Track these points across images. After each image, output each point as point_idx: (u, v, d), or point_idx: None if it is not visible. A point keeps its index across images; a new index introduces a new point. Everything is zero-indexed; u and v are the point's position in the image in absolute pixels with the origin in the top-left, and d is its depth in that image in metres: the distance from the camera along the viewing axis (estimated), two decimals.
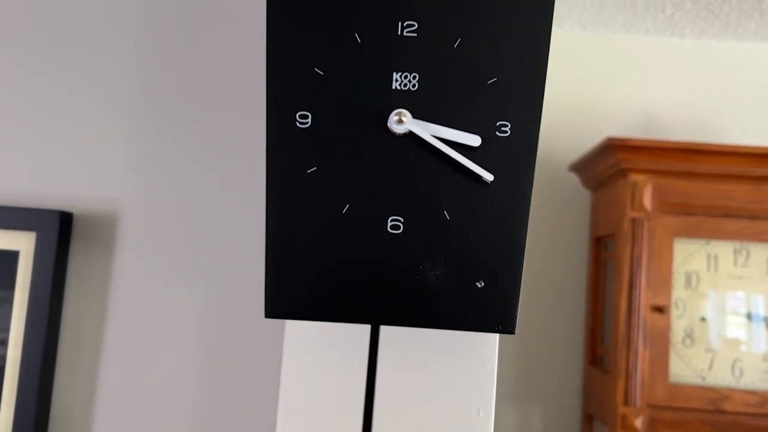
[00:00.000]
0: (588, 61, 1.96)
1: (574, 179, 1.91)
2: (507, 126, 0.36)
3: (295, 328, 0.44)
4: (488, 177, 0.36)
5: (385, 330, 0.42)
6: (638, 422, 1.53)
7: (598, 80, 1.96)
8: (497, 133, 0.36)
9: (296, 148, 0.37)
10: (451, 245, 0.36)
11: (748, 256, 1.62)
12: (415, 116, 0.36)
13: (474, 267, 0.36)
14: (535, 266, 1.93)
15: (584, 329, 1.91)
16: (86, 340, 0.62)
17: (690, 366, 1.59)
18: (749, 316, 1.61)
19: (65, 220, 0.61)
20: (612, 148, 1.56)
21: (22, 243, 0.61)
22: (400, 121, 0.36)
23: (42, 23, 0.65)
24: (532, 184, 0.36)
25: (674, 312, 1.60)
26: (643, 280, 1.57)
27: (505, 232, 0.36)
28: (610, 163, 1.62)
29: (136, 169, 0.62)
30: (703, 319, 1.61)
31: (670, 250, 1.58)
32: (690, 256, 1.62)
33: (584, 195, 1.93)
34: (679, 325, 1.61)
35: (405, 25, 0.37)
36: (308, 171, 0.37)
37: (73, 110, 0.63)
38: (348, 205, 0.36)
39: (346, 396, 0.43)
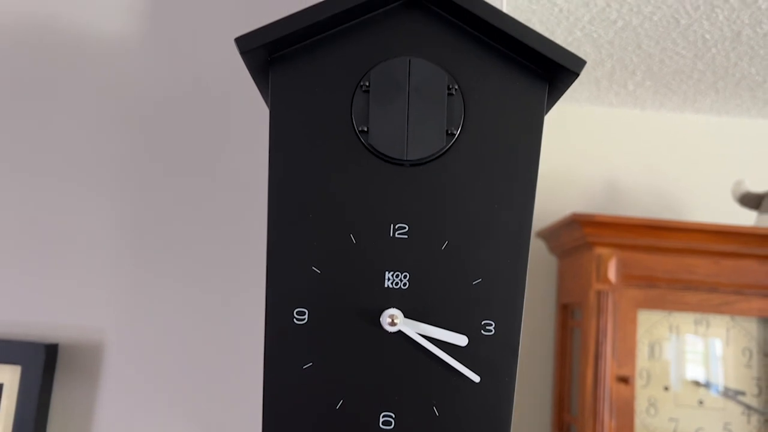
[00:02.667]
0: (554, 130, 2.03)
1: (541, 244, 1.96)
2: (491, 324, 0.39)
3: None
4: (475, 378, 0.38)
5: None
6: None
7: (564, 149, 2.02)
8: (482, 331, 0.39)
9: (293, 344, 0.39)
10: None
11: (708, 326, 1.68)
12: (406, 315, 0.39)
13: None
14: None
15: (552, 395, 1.94)
16: None
17: None
18: (708, 386, 1.66)
19: (50, 353, 0.62)
20: (578, 222, 1.61)
21: (6, 376, 0.61)
22: (392, 323, 0.38)
23: (28, 153, 0.66)
24: (515, 381, 0.39)
25: (639, 382, 1.65)
26: (608, 351, 1.61)
27: (491, 427, 0.38)
28: (576, 236, 1.67)
29: (121, 299, 0.63)
30: (666, 389, 1.66)
31: (634, 321, 1.63)
32: (653, 326, 1.67)
33: (551, 261, 1.98)
34: (643, 395, 1.65)
35: (397, 227, 0.40)
36: (304, 367, 0.39)
37: (57, 242, 0.64)
38: (342, 401, 0.38)
39: None
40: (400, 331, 0.38)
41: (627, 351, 1.62)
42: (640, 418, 1.64)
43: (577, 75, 0.40)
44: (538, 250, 1.98)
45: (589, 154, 2.02)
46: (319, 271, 0.39)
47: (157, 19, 0.69)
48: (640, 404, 1.64)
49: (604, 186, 2.03)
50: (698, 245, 1.62)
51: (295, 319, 0.39)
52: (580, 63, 0.40)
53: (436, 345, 0.38)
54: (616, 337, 1.62)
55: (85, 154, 0.66)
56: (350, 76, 0.41)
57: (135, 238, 0.64)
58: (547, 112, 0.42)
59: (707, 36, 1.53)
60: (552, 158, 2.01)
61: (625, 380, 1.61)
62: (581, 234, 1.63)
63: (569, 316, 1.86)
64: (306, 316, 0.39)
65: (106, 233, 0.64)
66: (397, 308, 0.39)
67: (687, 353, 1.67)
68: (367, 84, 0.41)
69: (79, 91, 0.67)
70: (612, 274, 1.62)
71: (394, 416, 0.38)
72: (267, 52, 0.41)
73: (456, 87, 0.41)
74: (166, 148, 0.66)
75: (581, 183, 2.01)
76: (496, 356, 0.39)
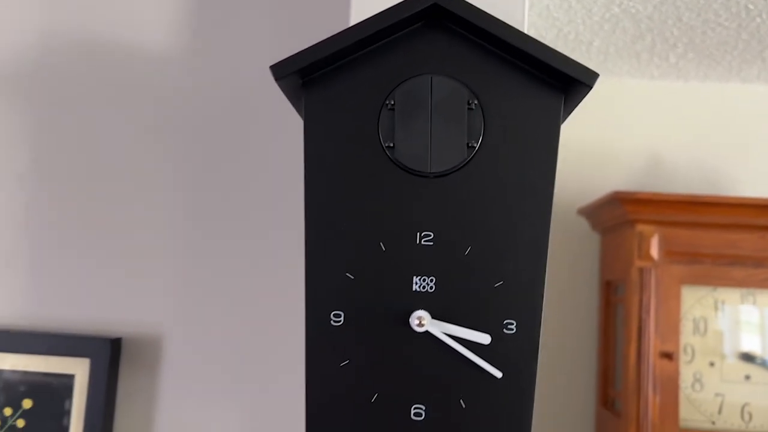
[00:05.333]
0: (595, 105, 2.01)
1: (584, 222, 1.96)
2: (513, 324, 0.42)
3: None
4: (497, 374, 0.41)
5: None
6: None
7: (605, 124, 2.01)
8: (504, 330, 0.42)
9: (331, 343, 0.43)
10: (467, 430, 0.42)
11: (755, 301, 1.66)
12: (433, 316, 0.42)
13: None
14: (548, 307, 1.98)
15: (596, 371, 1.95)
16: None
17: (699, 411, 1.63)
18: (756, 361, 1.65)
19: (115, 346, 0.67)
20: (619, 200, 1.61)
21: (77, 368, 0.67)
22: (419, 324, 0.42)
23: (92, 163, 0.72)
24: (535, 377, 0.42)
25: (683, 358, 1.65)
26: (651, 328, 1.61)
27: (513, 421, 0.41)
28: (617, 213, 1.67)
29: (177, 296, 0.68)
30: (711, 364, 1.65)
31: (678, 297, 1.63)
32: (697, 302, 1.66)
33: (594, 238, 1.98)
34: (688, 370, 1.65)
35: (423, 235, 0.43)
36: (341, 364, 0.43)
37: (117, 244, 0.70)
38: (376, 395, 0.42)
39: None
40: (427, 332, 0.42)
41: (670, 327, 1.62)
42: (686, 393, 1.64)
43: (591, 88, 0.42)
44: (580, 228, 1.98)
45: (630, 129, 2.00)
46: (352, 277, 0.43)
47: (198, 31, 0.73)
48: (685, 380, 1.64)
49: (647, 161, 2.01)
50: (742, 220, 1.60)
51: (332, 321, 0.43)
52: (594, 76, 0.42)
53: (461, 343, 0.42)
54: (659, 313, 1.62)
55: (141, 157, 0.71)
56: (376, 95, 0.44)
57: (189, 239, 0.69)
58: (562, 123, 0.44)
59: (750, 6, 1.49)
60: (593, 134, 2.00)
61: (668, 356, 1.61)
62: (622, 212, 1.63)
63: (612, 293, 1.87)
64: (342, 318, 0.43)
65: (161, 235, 0.70)
66: (424, 310, 0.42)
67: (733, 328, 1.66)
68: (392, 102, 0.44)
69: (133, 98, 0.72)
70: (654, 250, 1.62)
71: (424, 408, 0.42)
72: (299, 77, 0.44)
73: (476, 102, 0.44)
74: (215, 153, 0.70)
75: (623, 159, 2.00)
76: (517, 354, 0.42)
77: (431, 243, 0.43)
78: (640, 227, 1.62)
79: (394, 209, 0.43)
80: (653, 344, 1.61)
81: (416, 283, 0.43)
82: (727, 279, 1.62)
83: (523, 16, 0.54)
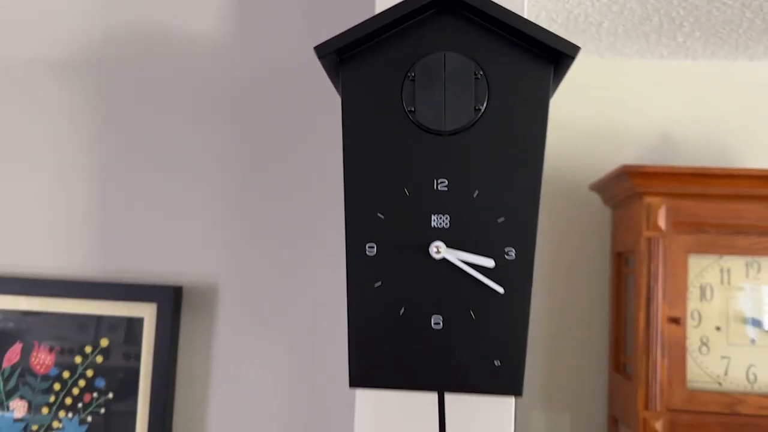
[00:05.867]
0: (607, 85, 2.09)
1: (596, 197, 2.05)
2: (512, 251, 0.52)
3: (363, 393, 0.61)
4: (500, 290, 0.52)
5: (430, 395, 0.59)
6: (659, 425, 1.66)
7: (616, 103, 2.08)
8: (506, 256, 0.52)
9: (366, 269, 0.53)
10: (476, 337, 0.52)
11: (759, 269, 1.74)
12: (448, 246, 0.53)
13: (492, 351, 0.52)
14: (563, 280, 2.07)
15: (608, 338, 2.05)
16: (195, 387, 0.79)
17: (706, 372, 1.72)
18: (761, 325, 1.73)
19: (177, 294, 0.79)
20: (627, 174, 1.69)
21: (146, 312, 0.79)
22: (437, 252, 0.52)
23: (157, 129, 0.83)
24: (530, 293, 0.52)
25: (690, 323, 1.73)
26: (659, 295, 1.70)
27: (513, 327, 0.52)
28: (626, 187, 1.75)
29: (231, 249, 0.80)
30: (717, 329, 1.74)
31: (685, 265, 1.71)
32: (704, 270, 1.75)
33: (606, 212, 2.07)
34: (695, 334, 1.74)
35: (439, 181, 0.53)
36: (375, 285, 0.53)
37: (180, 207, 0.81)
38: (403, 309, 0.53)
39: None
40: (444, 258, 0.52)
41: (678, 293, 1.71)
42: (693, 356, 1.73)
43: (573, 58, 0.52)
44: (592, 203, 2.07)
45: (641, 107, 2.08)
46: (382, 216, 0.53)
47: (241, 19, 0.83)
48: (693, 344, 1.73)
49: (657, 138, 2.08)
50: (746, 191, 1.67)
51: (367, 252, 0.53)
52: (575, 49, 0.52)
53: (470, 267, 0.52)
54: (667, 280, 1.71)
55: (198, 130, 0.82)
56: (400, 69, 0.54)
57: (240, 202, 0.80)
58: (554, 91, 0.54)
59: None
60: (604, 113, 2.08)
61: (676, 321, 1.70)
62: (631, 185, 1.71)
63: (623, 264, 1.96)
64: (375, 249, 0.53)
65: (216, 199, 0.81)
66: (441, 241, 0.52)
67: (739, 294, 1.74)
68: (413, 74, 0.54)
69: (188, 78, 0.83)
70: (662, 221, 1.71)
71: (442, 319, 0.52)
72: (337, 55, 0.55)
73: (481, 72, 0.54)
74: (262, 125, 0.81)
75: (634, 136, 2.07)
76: (515, 274, 0.52)
77: (446, 188, 0.53)
78: (648, 199, 1.71)
79: (415, 161, 0.54)
80: (661, 310, 1.70)
81: (434, 220, 0.53)
82: (732, 247, 1.70)
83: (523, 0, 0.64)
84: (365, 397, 0.60)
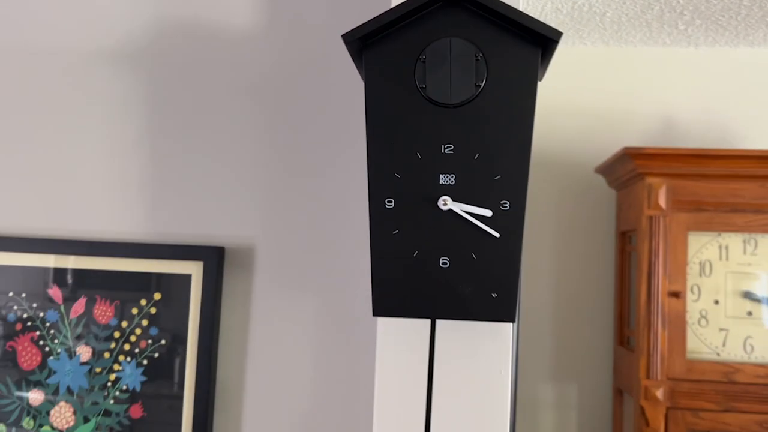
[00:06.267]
0: (612, 72, 2.18)
1: (602, 180, 2.15)
2: (507, 203, 0.63)
3: (384, 323, 0.72)
4: (496, 234, 0.62)
5: (440, 323, 0.70)
6: (659, 393, 1.76)
7: (622, 89, 2.17)
8: (501, 207, 0.63)
9: (386, 219, 0.64)
10: (476, 274, 0.63)
11: (756, 245, 1.83)
12: (453, 200, 0.63)
13: (490, 286, 0.63)
14: (571, 258, 2.17)
15: (613, 314, 2.15)
16: (235, 335, 0.91)
17: (705, 343, 1.81)
18: (758, 298, 1.82)
19: (220, 253, 0.90)
20: (629, 155, 1.79)
21: (193, 269, 0.90)
22: (444, 204, 0.63)
23: (200, 111, 0.94)
24: (522, 238, 0.63)
25: (690, 296, 1.83)
26: (660, 270, 1.80)
27: (507, 265, 0.62)
28: (629, 168, 1.85)
29: (267, 214, 0.91)
30: (716, 302, 1.83)
31: (684, 242, 1.81)
32: (703, 247, 1.84)
33: (611, 194, 2.16)
34: (695, 307, 1.83)
35: (446, 147, 0.64)
36: (393, 233, 0.64)
37: (222, 178, 0.92)
38: (417, 251, 0.64)
39: (415, 360, 0.71)
40: (450, 209, 0.63)
41: (678, 269, 1.80)
42: (693, 328, 1.82)
43: (557, 42, 0.62)
44: (598, 185, 2.16)
45: (646, 93, 2.16)
46: (399, 176, 0.64)
47: (271, 12, 0.94)
48: (692, 316, 1.82)
49: (661, 122, 2.17)
50: (743, 171, 1.76)
51: (386, 205, 0.64)
52: (558, 34, 0.62)
53: (472, 216, 0.63)
54: (668, 256, 1.80)
55: (237, 110, 0.93)
56: (413, 52, 0.65)
57: (274, 172, 0.92)
58: (544, 71, 0.64)
59: None
60: (610, 99, 2.17)
61: (676, 294, 1.80)
62: (633, 166, 1.81)
63: (627, 242, 2.05)
64: (393, 203, 0.64)
65: (254, 169, 0.92)
66: (447, 196, 0.63)
67: (737, 269, 1.83)
68: (424, 57, 0.65)
69: (226, 65, 0.94)
70: (662, 200, 1.80)
71: (449, 259, 0.63)
72: (361, 42, 0.65)
73: (481, 55, 0.64)
74: (289, 107, 0.92)
75: (639, 121, 2.16)
76: (509, 222, 0.63)
77: (451, 152, 0.64)
78: (650, 179, 1.80)
79: (425, 130, 0.65)
80: (662, 284, 1.80)
81: (442, 179, 0.64)
82: (729, 225, 1.80)
83: None
84: (384, 324, 0.71)
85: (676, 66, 2.16)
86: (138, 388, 0.90)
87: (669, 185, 1.80)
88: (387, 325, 0.72)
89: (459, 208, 0.63)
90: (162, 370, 0.90)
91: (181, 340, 0.90)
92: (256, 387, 0.91)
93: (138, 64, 0.96)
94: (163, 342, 0.90)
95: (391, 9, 0.65)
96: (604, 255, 2.17)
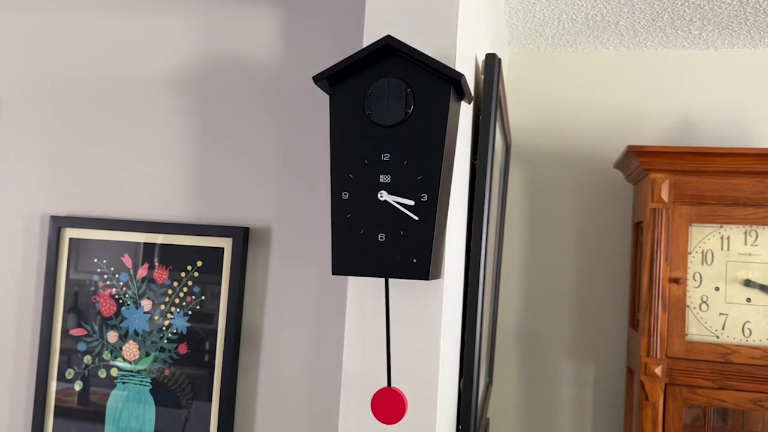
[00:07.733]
0: (634, 74, 2.34)
1: (621, 175, 2.31)
2: (425, 196, 0.89)
3: (353, 283, 0.99)
4: (416, 218, 0.88)
5: (392, 283, 0.97)
6: (657, 370, 1.94)
7: (643, 90, 2.33)
8: (421, 198, 0.89)
9: (343, 208, 0.91)
10: (403, 246, 0.88)
11: (756, 236, 1.96)
12: (389, 193, 0.89)
13: (412, 253, 0.88)
14: (591, 248, 2.36)
15: (627, 299, 2.31)
16: (257, 295, 1.20)
17: (706, 327, 1.96)
18: (757, 286, 1.95)
19: (245, 233, 1.20)
20: (633, 153, 1.96)
21: (225, 244, 1.20)
22: (382, 196, 0.89)
23: (234, 124, 1.24)
24: (435, 220, 0.88)
25: (692, 283, 1.98)
26: (662, 258, 1.96)
27: (424, 240, 0.88)
28: (635, 165, 2.02)
29: (280, 201, 1.19)
30: (717, 289, 1.98)
31: (686, 233, 1.96)
32: (706, 238, 1.99)
33: (629, 187, 2.32)
34: (696, 293, 1.98)
35: (384, 155, 0.90)
36: (347, 216, 0.91)
37: (248, 172, 1.22)
38: (363, 229, 0.90)
39: (376, 306, 0.97)
40: (386, 200, 0.89)
41: (679, 257, 1.96)
42: (694, 312, 1.97)
43: (459, 80, 0.87)
44: (618, 180, 2.33)
45: (666, 93, 2.30)
46: (352, 176, 0.91)
47: (287, 46, 1.22)
48: (694, 302, 1.97)
49: (681, 121, 2.31)
50: (743, 167, 1.90)
51: (342, 197, 0.91)
52: (459, 75, 0.87)
53: (400, 205, 0.89)
54: (670, 246, 1.96)
55: (255, 124, 1.22)
56: (363, 88, 0.91)
57: (288, 169, 1.20)
58: (461, 101, 0.89)
59: None
60: (632, 99, 2.32)
61: (676, 281, 1.96)
62: (638, 163, 1.98)
63: (640, 233, 2.21)
64: (348, 195, 0.91)
65: (272, 168, 1.21)
66: (384, 190, 0.89)
67: (737, 259, 1.97)
68: (370, 91, 0.91)
69: (246, 89, 1.23)
70: (665, 194, 1.96)
71: (385, 235, 0.89)
72: (327, 81, 0.92)
73: (409, 90, 0.90)
74: (300, 122, 1.20)
75: (659, 120, 2.31)
76: (426, 209, 0.88)
77: (388, 159, 0.90)
78: (653, 175, 1.96)
79: (370, 143, 0.91)
80: (663, 271, 1.96)
81: (381, 178, 0.90)
82: (730, 217, 1.94)
83: (456, 20, 0.99)
84: (354, 288, 0.98)
85: (695, 67, 2.29)
86: (184, 331, 1.21)
87: (672, 180, 1.96)
88: (355, 285, 0.99)
89: (392, 199, 0.89)
90: (202, 319, 1.20)
91: (216, 296, 1.20)
92: (271, 330, 1.20)
93: (188, 86, 1.26)
94: (203, 298, 1.21)
95: (347, 57, 0.91)
96: (622, 245, 2.34)
